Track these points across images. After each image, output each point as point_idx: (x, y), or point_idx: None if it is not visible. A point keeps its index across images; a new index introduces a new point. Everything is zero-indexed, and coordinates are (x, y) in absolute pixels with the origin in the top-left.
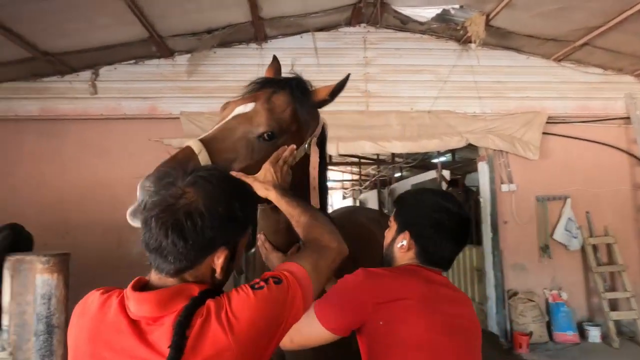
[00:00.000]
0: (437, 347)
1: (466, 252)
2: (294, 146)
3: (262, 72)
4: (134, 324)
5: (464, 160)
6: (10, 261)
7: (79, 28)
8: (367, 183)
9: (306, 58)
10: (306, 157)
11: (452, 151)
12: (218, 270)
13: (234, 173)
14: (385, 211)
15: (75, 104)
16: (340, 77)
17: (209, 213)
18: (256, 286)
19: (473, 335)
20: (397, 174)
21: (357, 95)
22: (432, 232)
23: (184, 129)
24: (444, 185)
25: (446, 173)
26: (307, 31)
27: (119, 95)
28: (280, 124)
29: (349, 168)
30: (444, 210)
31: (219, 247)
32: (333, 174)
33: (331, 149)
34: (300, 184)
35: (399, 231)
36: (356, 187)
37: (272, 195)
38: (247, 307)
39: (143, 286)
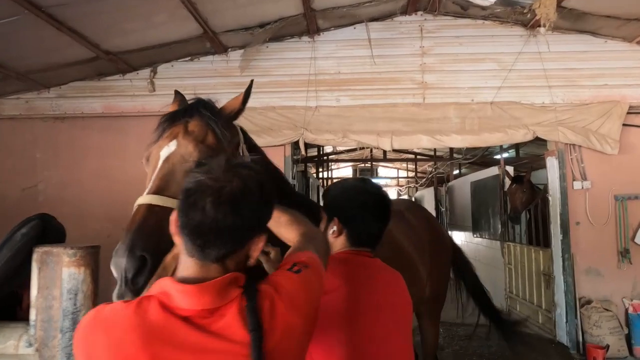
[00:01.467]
0: (363, 328)
1: (532, 255)
2: None
3: (314, 66)
4: (188, 320)
5: (529, 156)
6: (37, 253)
7: (136, 27)
8: (423, 180)
9: (359, 50)
10: None
11: (516, 147)
12: (255, 255)
13: None
14: (442, 209)
15: (135, 101)
16: (394, 69)
17: (258, 193)
18: (295, 269)
19: (402, 310)
20: (456, 171)
21: (413, 87)
22: (357, 212)
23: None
24: (507, 182)
25: (509, 169)
26: (360, 22)
27: None
28: (210, 148)
29: (404, 164)
30: (365, 192)
31: (262, 231)
32: (387, 170)
33: (384, 144)
34: None
35: (329, 219)
36: (411, 185)
37: None
38: (299, 288)
39: (182, 281)
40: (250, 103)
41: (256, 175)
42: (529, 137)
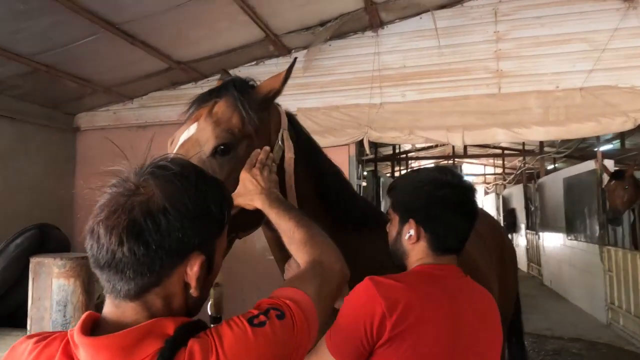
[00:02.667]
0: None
1: (637, 261)
2: (268, 147)
3: (378, 61)
4: None
5: (637, 147)
6: (32, 263)
7: (201, 35)
8: (512, 177)
9: (426, 41)
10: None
11: (621, 137)
12: (193, 283)
13: None
14: (532, 208)
15: None
16: (465, 58)
17: (174, 208)
18: (255, 321)
19: (492, 349)
20: (550, 166)
21: (487, 77)
22: (439, 211)
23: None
24: (605, 179)
25: (609, 163)
26: (426, 11)
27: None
28: (230, 133)
29: (491, 160)
30: (445, 185)
31: (192, 252)
32: (473, 167)
33: (455, 140)
34: (296, 189)
35: (403, 221)
36: (499, 182)
37: (258, 204)
38: (245, 353)
39: (95, 326)
40: (314, 103)
41: (185, 181)
42: (629, 126)
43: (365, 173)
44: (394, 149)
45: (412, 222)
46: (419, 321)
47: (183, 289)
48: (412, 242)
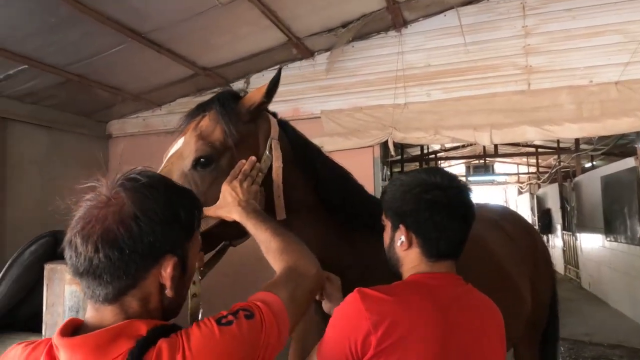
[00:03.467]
0: None
1: None
2: (254, 158)
3: (402, 61)
4: None
5: None
6: (46, 269)
7: (225, 41)
8: (547, 176)
9: (451, 39)
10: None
11: None
12: (168, 284)
13: None
14: (568, 208)
15: None
16: (492, 54)
17: (144, 215)
18: (223, 320)
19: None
20: (588, 164)
21: (515, 73)
22: (428, 215)
23: (325, 127)
24: None
25: None
26: (450, 8)
27: None
28: (211, 146)
29: (524, 159)
30: (434, 187)
31: (164, 255)
32: (505, 166)
33: (482, 139)
34: (292, 200)
35: (394, 227)
36: (533, 181)
37: (235, 215)
38: (210, 349)
39: (76, 329)
40: (337, 105)
41: (154, 190)
42: None
43: (389, 174)
44: (421, 149)
45: (402, 227)
46: (406, 337)
47: (159, 290)
48: (404, 249)
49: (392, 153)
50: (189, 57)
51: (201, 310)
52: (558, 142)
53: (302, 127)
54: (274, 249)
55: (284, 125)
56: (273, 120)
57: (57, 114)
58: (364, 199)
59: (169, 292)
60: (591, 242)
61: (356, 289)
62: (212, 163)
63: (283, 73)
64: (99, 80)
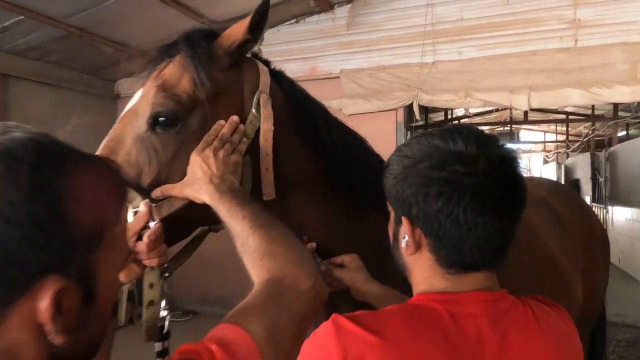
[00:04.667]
0: None
1: None
2: (235, 118)
3: (431, 14)
4: None
5: None
6: None
7: None
8: (577, 145)
9: None
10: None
11: None
12: (49, 325)
13: (155, 193)
14: (601, 180)
15: None
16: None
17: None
18: None
19: None
20: (622, 132)
21: (560, 28)
22: (441, 203)
23: (344, 89)
24: None
25: None
26: None
27: (281, 59)
28: (174, 99)
29: (552, 126)
30: (452, 158)
31: (39, 277)
32: (531, 134)
33: (519, 103)
34: (285, 173)
35: (397, 221)
36: (561, 150)
37: (205, 196)
38: None
39: None
40: (358, 64)
41: (12, 174)
42: None
43: None
44: (445, 114)
45: (405, 222)
46: None
47: (37, 335)
48: (411, 253)
49: (417, 117)
50: (197, 10)
51: (168, 318)
52: (593, 108)
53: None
54: (252, 249)
55: (277, 76)
56: (263, 69)
57: (61, 71)
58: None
59: (54, 336)
60: (625, 216)
61: (332, 317)
62: (177, 123)
63: (299, 28)
64: (101, 34)
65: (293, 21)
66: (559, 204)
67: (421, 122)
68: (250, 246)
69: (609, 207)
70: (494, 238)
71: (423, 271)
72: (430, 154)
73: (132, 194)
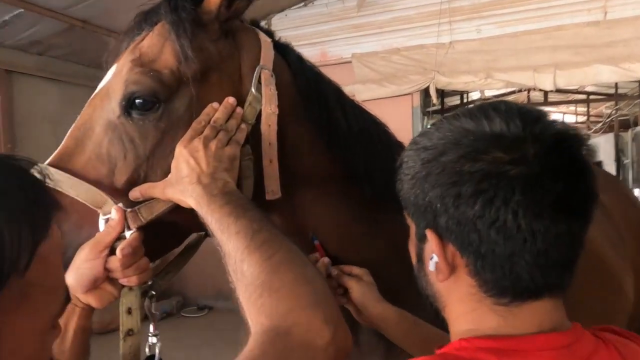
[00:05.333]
0: None
1: None
2: (232, 99)
3: None
4: None
5: None
6: None
7: None
8: (599, 125)
9: None
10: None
11: None
12: None
13: (132, 194)
14: (626, 161)
15: None
16: None
17: None
18: None
19: None
20: None
21: (587, 0)
22: (480, 208)
23: (356, 73)
24: None
25: None
26: None
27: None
28: (154, 76)
29: (571, 107)
30: (492, 143)
31: None
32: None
33: (544, 82)
34: (292, 166)
35: (419, 234)
36: (583, 131)
37: (191, 202)
38: None
39: None
40: (370, 47)
41: None
42: None
43: (429, 126)
44: (461, 98)
45: (432, 236)
46: None
47: None
48: (442, 279)
49: (435, 101)
50: None
51: (158, 347)
52: (616, 86)
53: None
54: (247, 279)
55: (283, 49)
56: (265, 40)
57: (66, 66)
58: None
59: None
60: None
61: None
62: (158, 106)
63: (308, 11)
64: (104, 26)
65: (301, 5)
66: (603, 194)
67: (438, 107)
68: (244, 275)
69: (635, 190)
70: (560, 249)
71: (462, 303)
72: (457, 141)
73: (102, 197)
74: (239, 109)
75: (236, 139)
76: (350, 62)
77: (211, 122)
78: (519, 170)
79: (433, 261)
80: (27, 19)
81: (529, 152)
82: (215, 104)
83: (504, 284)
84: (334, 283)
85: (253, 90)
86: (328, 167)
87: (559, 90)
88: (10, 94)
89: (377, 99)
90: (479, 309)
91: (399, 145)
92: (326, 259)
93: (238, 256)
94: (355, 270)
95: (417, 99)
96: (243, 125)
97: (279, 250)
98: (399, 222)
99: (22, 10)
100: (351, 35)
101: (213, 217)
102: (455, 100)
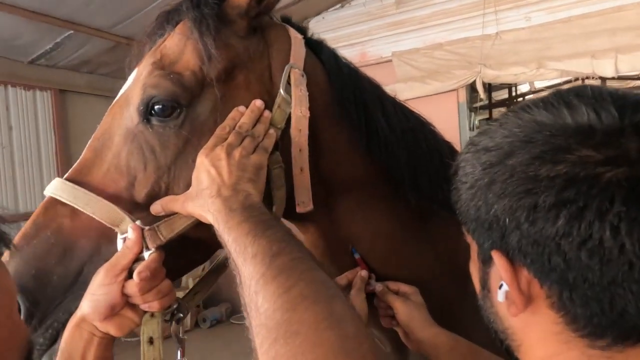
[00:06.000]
0: None
1: None
2: (259, 102)
3: None
4: None
5: None
6: None
7: None
8: None
9: None
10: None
11: None
12: None
13: (154, 208)
14: None
15: None
16: None
17: None
18: None
19: None
20: None
21: None
22: (566, 224)
23: (397, 72)
24: None
25: None
26: None
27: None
28: (176, 79)
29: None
30: (577, 138)
31: None
32: None
33: (604, 68)
34: (327, 173)
35: (483, 255)
36: None
37: (209, 217)
38: None
39: None
40: (411, 44)
41: None
42: None
43: (477, 123)
44: (509, 91)
45: (500, 259)
46: None
47: None
48: (515, 312)
49: (482, 96)
50: None
51: None
52: None
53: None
54: (261, 317)
55: (316, 46)
56: (295, 37)
57: (114, 83)
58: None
59: None
60: None
61: None
62: (179, 112)
63: (345, 12)
64: None
65: (338, 6)
66: None
67: (485, 102)
68: (259, 311)
69: None
70: None
71: (543, 344)
72: (529, 138)
73: (119, 214)
74: (267, 113)
75: (264, 146)
76: (390, 61)
77: (236, 127)
78: (619, 173)
79: (502, 290)
80: (76, 40)
81: (631, 148)
82: (241, 108)
83: (602, 321)
84: (382, 303)
85: (282, 91)
86: (368, 173)
87: (619, 77)
88: (64, 112)
89: (420, 97)
90: (567, 353)
91: (449, 146)
92: (364, 272)
93: (252, 286)
94: (403, 288)
95: (462, 95)
96: (272, 131)
97: (299, 280)
98: (450, 232)
99: (72, 32)
100: (390, 33)
101: (230, 236)
102: (502, 95)
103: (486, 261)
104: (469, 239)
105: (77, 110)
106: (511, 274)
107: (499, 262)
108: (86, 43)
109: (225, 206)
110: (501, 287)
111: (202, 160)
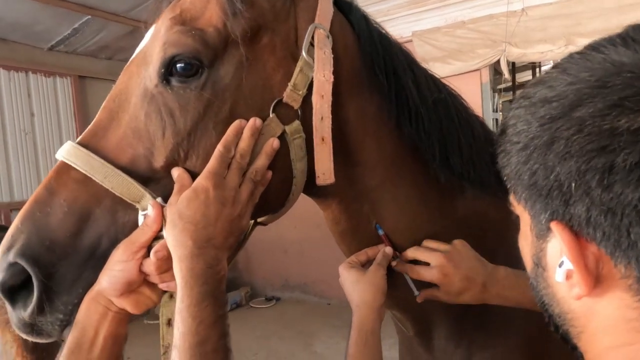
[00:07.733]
0: None
1: None
2: (259, 121)
3: None
4: None
5: None
6: None
7: None
8: None
9: None
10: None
11: None
12: None
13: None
14: None
15: None
16: None
17: None
18: None
19: None
20: None
21: None
22: None
23: (418, 52)
24: None
25: None
26: None
27: None
28: (201, 36)
29: None
30: None
31: None
32: None
33: None
34: (352, 145)
35: (537, 226)
36: None
37: (176, 269)
38: None
39: None
40: (432, 22)
41: None
42: None
43: (501, 104)
44: (533, 71)
45: (563, 231)
46: None
47: None
48: (578, 295)
49: (507, 76)
50: None
51: None
52: None
53: None
54: None
55: (345, 6)
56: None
57: None
58: (487, 141)
59: None
60: None
61: None
62: (201, 72)
63: None
64: None
65: None
66: None
67: (509, 83)
68: None
69: None
70: None
71: (612, 331)
72: (603, 83)
73: (139, 190)
74: (290, 88)
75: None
76: (410, 41)
77: (246, 129)
78: None
79: (563, 269)
80: (94, 25)
81: None
82: (241, 121)
83: None
84: (414, 273)
85: (304, 53)
86: (396, 145)
87: None
88: (84, 98)
89: (442, 78)
90: None
91: (480, 121)
92: (389, 249)
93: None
94: (442, 246)
95: (486, 75)
96: (294, 101)
97: None
98: (479, 210)
99: (90, 17)
100: (410, 12)
101: (187, 295)
102: (526, 76)
103: (542, 234)
104: (519, 209)
105: (96, 96)
106: (576, 250)
107: (561, 236)
108: (104, 28)
109: (197, 257)
110: (561, 265)
111: (205, 187)
